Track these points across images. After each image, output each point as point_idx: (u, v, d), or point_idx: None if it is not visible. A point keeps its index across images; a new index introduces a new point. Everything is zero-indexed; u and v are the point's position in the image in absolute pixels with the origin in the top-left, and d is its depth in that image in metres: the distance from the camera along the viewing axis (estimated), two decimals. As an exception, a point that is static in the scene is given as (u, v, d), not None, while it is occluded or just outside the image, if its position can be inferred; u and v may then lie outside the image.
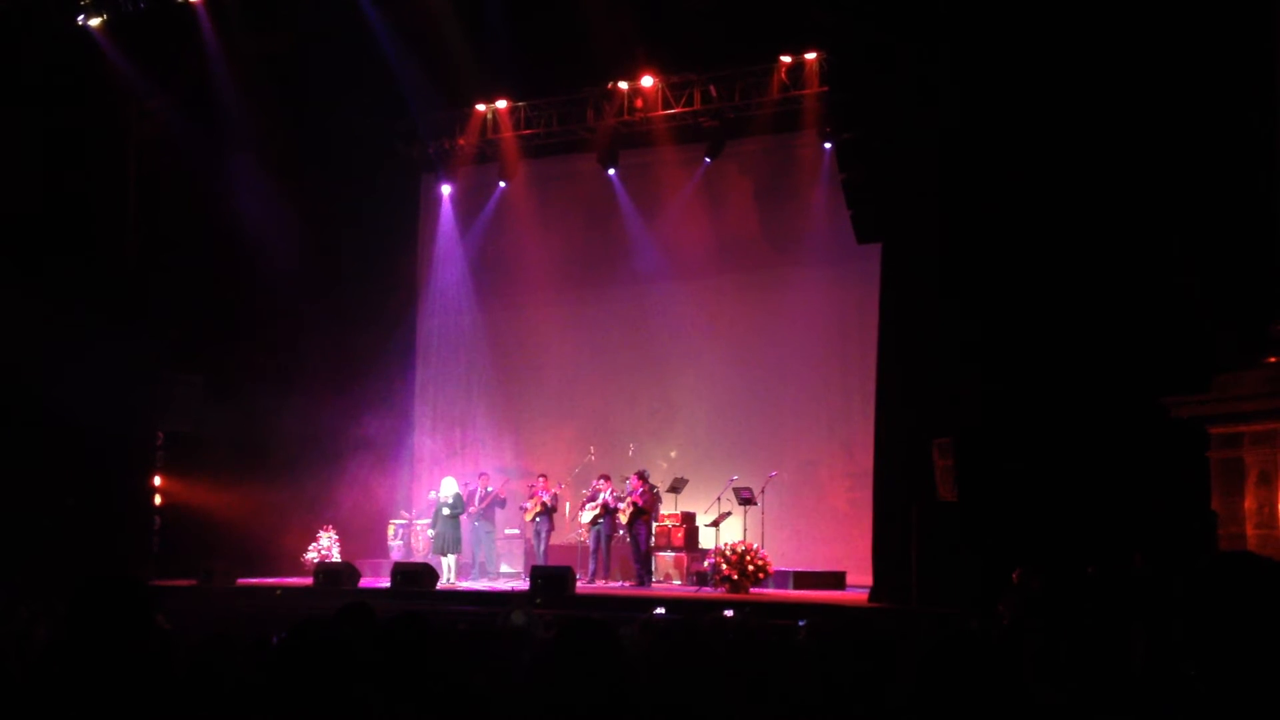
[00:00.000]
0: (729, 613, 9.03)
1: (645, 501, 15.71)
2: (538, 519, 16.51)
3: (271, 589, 15.43)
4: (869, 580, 13.72)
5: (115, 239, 16.65)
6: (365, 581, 15.73)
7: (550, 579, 14.19)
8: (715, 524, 15.75)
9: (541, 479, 16.78)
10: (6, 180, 15.56)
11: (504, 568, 17.62)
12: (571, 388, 19.06)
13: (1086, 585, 8.88)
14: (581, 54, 16.28)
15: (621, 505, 15.82)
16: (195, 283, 16.94)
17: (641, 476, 15.93)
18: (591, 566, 16.13)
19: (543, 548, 16.44)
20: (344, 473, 17.85)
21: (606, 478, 16.30)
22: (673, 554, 16.28)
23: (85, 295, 15.81)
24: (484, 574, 17.07)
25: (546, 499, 16.43)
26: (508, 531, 17.87)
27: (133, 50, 16.40)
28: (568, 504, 17.36)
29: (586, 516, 16.22)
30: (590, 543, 16.20)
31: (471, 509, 16.97)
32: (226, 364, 17.28)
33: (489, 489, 17.08)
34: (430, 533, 16.87)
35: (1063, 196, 11.97)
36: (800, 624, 4.90)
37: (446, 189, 19.88)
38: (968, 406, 12.43)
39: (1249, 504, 10.06)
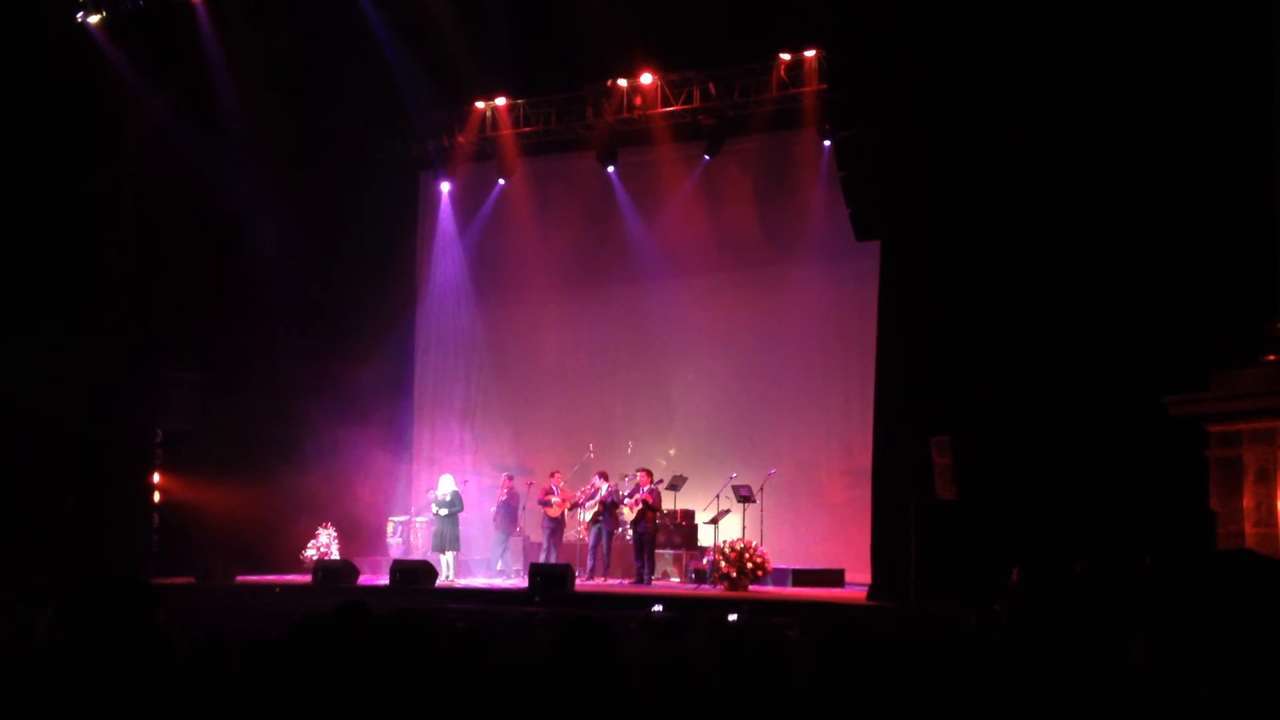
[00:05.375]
0: (733, 616, 9.01)
1: (655, 500, 15.73)
2: (547, 521, 16.55)
3: (270, 586, 15.44)
4: (868, 578, 13.72)
5: (113, 236, 16.63)
6: (364, 579, 15.74)
7: (549, 577, 14.19)
8: (714, 521, 15.76)
9: (555, 475, 16.89)
10: (3, 177, 15.55)
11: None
12: (570, 385, 19.06)
13: (1076, 583, 8.88)
14: (580, 51, 16.29)
15: (629, 501, 15.82)
16: (193, 280, 16.94)
17: (650, 474, 15.94)
18: (590, 564, 16.12)
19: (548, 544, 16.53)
20: (343, 470, 17.85)
21: (605, 475, 16.30)
22: (671, 551, 16.29)
23: (84, 293, 15.81)
24: (494, 572, 17.13)
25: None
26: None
27: (132, 48, 16.39)
28: (576, 507, 17.33)
29: (587, 515, 16.22)
30: (590, 540, 16.19)
31: (494, 509, 17.11)
32: (224, 362, 17.27)
33: (512, 491, 17.20)
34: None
35: (1061, 194, 11.98)
36: (797, 622, 4.89)
37: (445, 186, 19.87)
38: (966, 404, 12.43)
39: (1248, 502, 10.06)
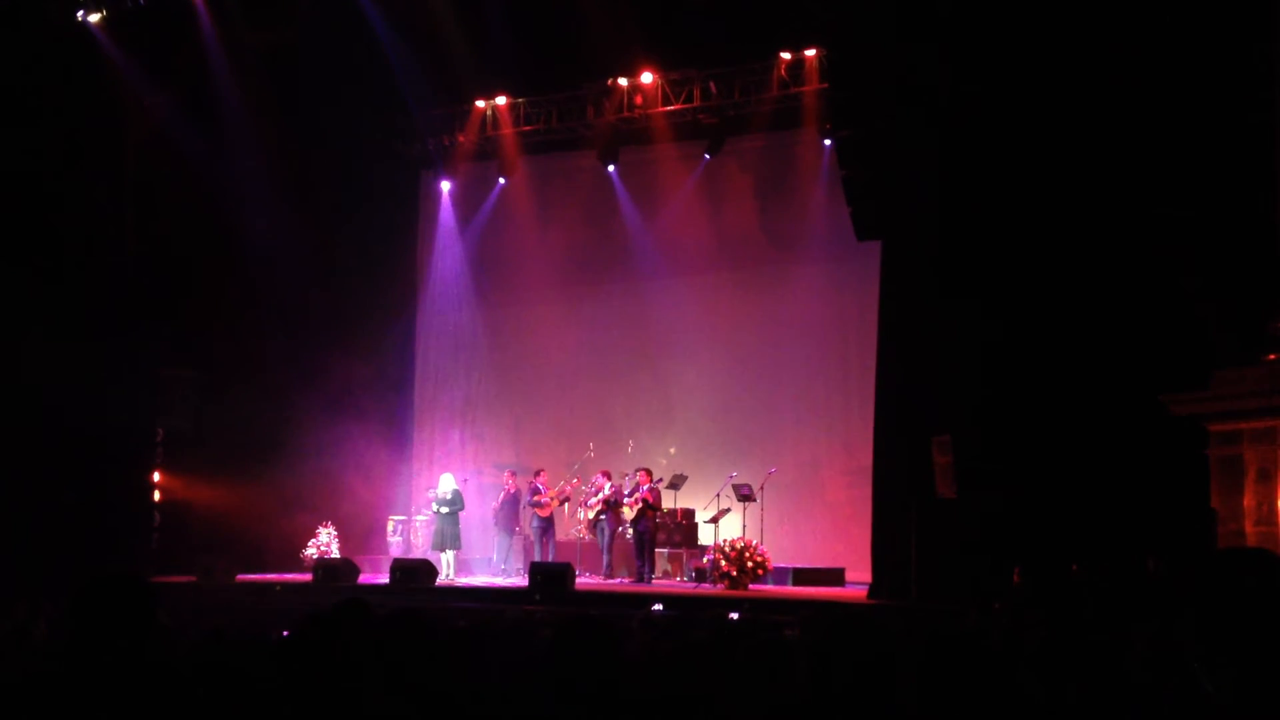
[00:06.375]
0: (734, 615, 9.04)
1: (655, 499, 15.72)
2: (536, 520, 16.52)
3: (271, 585, 15.42)
4: (869, 577, 13.73)
5: (114, 235, 16.62)
6: (364, 578, 15.74)
7: (550, 576, 14.18)
8: (714, 520, 15.76)
9: (540, 473, 16.87)
10: (4, 177, 15.54)
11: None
12: (571, 384, 19.06)
13: (1073, 583, 8.89)
14: (581, 50, 16.29)
15: (628, 500, 15.82)
16: (193, 279, 16.93)
17: (649, 473, 15.95)
18: (605, 561, 16.19)
19: (544, 544, 16.51)
20: (343, 468, 17.84)
21: (607, 474, 16.31)
22: (671, 550, 16.29)
23: (84, 292, 15.80)
24: (495, 571, 17.14)
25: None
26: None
27: (132, 46, 16.38)
28: (567, 501, 17.35)
29: (592, 514, 16.22)
30: (599, 539, 16.20)
31: (496, 506, 17.13)
32: (225, 361, 17.27)
33: (516, 488, 17.19)
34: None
35: (1063, 193, 11.97)
36: (797, 620, 4.90)
37: (446, 185, 19.86)
38: (967, 403, 12.44)
39: (1248, 501, 10.06)
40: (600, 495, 16.03)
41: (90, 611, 3.31)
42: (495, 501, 17.32)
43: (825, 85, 15.58)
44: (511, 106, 18.35)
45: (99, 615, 3.30)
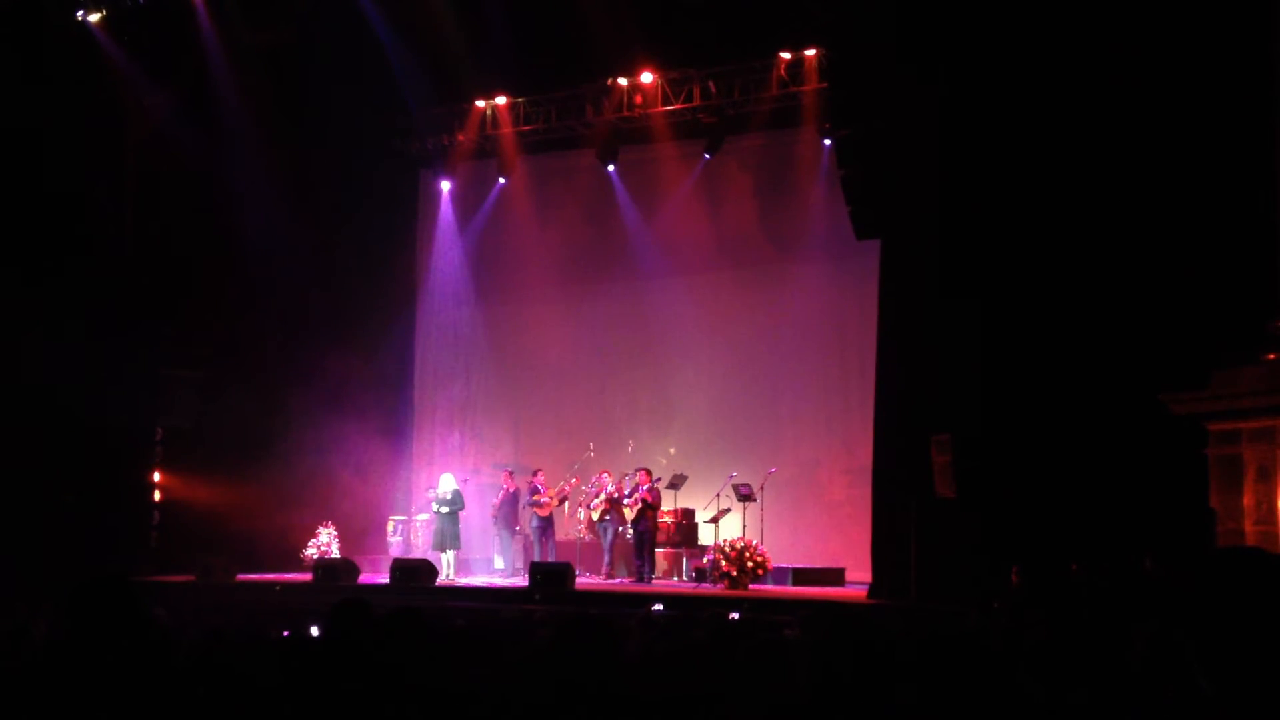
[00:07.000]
0: (734, 615, 9.03)
1: (654, 498, 15.72)
2: (535, 520, 16.52)
3: (270, 585, 15.43)
4: (868, 576, 13.73)
5: (114, 234, 16.64)
6: (364, 577, 15.74)
7: (550, 575, 14.19)
8: (714, 520, 15.76)
9: (538, 473, 16.87)
10: (4, 176, 15.55)
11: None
12: (570, 383, 19.05)
13: (1073, 582, 8.89)
14: (580, 50, 16.29)
15: (628, 500, 15.83)
16: (193, 278, 16.94)
17: (649, 473, 15.95)
18: (607, 560, 16.18)
19: (544, 545, 16.51)
20: (343, 468, 17.84)
21: (608, 473, 16.32)
22: (671, 550, 16.29)
23: (84, 291, 15.82)
24: (495, 570, 17.12)
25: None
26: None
27: (132, 46, 16.40)
28: (566, 500, 17.35)
29: (595, 514, 16.22)
30: (602, 539, 16.21)
31: (495, 505, 17.13)
32: (225, 360, 17.29)
33: (515, 487, 17.18)
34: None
35: (1062, 192, 11.98)
36: (797, 620, 4.90)
37: (446, 185, 19.85)
38: (966, 403, 12.44)
39: (1248, 501, 10.07)
40: (604, 494, 16.03)
41: (79, 614, 3.31)
42: (495, 501, 17.34)
43: (825, 85, 15.57)
44: (511, 106, 18.34)
45: (88, 618, 3.30)
